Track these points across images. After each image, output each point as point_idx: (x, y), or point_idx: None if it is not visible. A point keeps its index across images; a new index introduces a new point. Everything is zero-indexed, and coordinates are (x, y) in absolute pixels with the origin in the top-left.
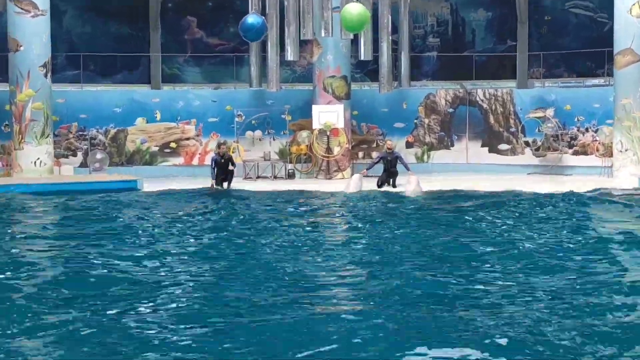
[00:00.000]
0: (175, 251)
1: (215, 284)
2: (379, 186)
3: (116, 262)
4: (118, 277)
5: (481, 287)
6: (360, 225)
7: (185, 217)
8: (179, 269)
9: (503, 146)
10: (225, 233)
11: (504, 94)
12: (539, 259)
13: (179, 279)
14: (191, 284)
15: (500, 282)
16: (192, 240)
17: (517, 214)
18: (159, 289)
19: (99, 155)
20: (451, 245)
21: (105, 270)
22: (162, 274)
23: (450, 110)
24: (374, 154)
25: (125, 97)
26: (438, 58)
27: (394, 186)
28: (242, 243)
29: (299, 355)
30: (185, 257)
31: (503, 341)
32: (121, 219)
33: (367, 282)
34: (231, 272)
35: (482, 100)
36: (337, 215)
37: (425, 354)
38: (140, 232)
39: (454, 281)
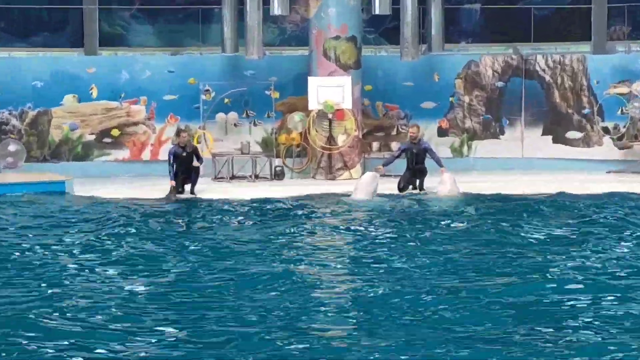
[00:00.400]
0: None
1: None
2: (401, 190)
3: None
4: None
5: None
6: (370, 247)
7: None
8: None
9: (573, 134)
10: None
11: (573, 61)
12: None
13: None
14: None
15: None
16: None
17: (597, 231)
18: None
19: (11, 147)
20: (513, 288)
21: None
22: None
23: (500, 84)
24: (394, 145)
25: (48, 67)
26: (482, 12)
27: (422, 189)
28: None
29: None
30: None
31: None
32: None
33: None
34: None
35: (544, 71)
36: (339, 232)
37: None
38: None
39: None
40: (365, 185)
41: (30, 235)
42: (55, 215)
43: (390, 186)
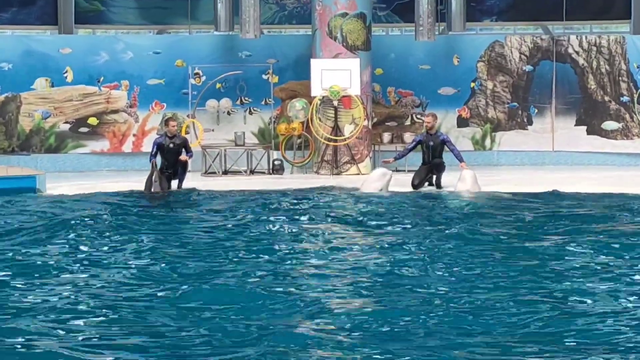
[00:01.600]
0: None
1: None
2: (416, 186)
3: None
4: None
5: None
6: (378, 248)
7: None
8: None
9: (610, 125)
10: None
11: (611, 42)
12: None
13: None
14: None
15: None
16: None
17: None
18: None
19: None
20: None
21: None
22: None
23: (528, 68)
24: (408, 137)
25: (17, 47)
26: None
27: (439, 186)
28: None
29: None
30: None
31: None
32: None
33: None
34: None
35: (577, 53)
36: (347, 229)
37: None
38: None
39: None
40: (375, 179)
41: None
42: (24, 214)
43: (403, 182)
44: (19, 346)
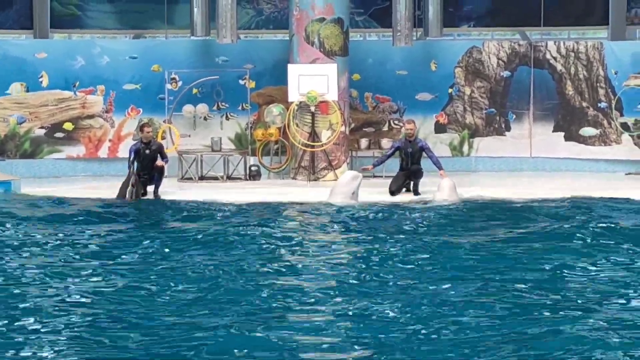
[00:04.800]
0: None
1: None
2: (393, 193)
3: None
4: None
5: None
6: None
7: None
8: None
9: (588, 131)
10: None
11: (589, 48)
12: None
13: None
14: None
15: None
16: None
17: (613, 243)
18: None
19: None
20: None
21: None
22: None
23: (506, 73)
24: (385, 143)
25: None
26: None
27: (416, 193)
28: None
29: None
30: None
31: None
32: None
33: None
34: None
35: (555, 59)
36: (306, 249)
37: None
38: None
39: None
40: (343, 186)
41: None
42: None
43: (380, 189)
44: None
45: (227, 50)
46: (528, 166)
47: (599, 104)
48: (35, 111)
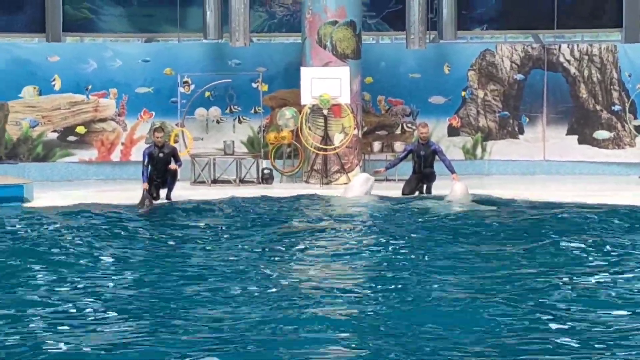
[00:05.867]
0: None
1: None
2: (406, 195)
3: None
4: None
5: None
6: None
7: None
8: None
9: (601, 134)
10: None
11: (602, 51)
12: None
13: None
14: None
15: None
16: None
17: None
18: None
19: None
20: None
21: None
22: None
23: (519, 76)
24: (398, 146)
25: (4, 54)
26: None
27: (429, 194)
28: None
29: None
30: None
31: None
32: None
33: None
34: None
35: (569, 62)
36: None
37: None
38: None
39: None
40: (358, 185)
41: None
42: (12, 224)
43: (393, 192)
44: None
45: (239, 54)
46: (541, 169)
47: (613, 107)
48: (48, 115)
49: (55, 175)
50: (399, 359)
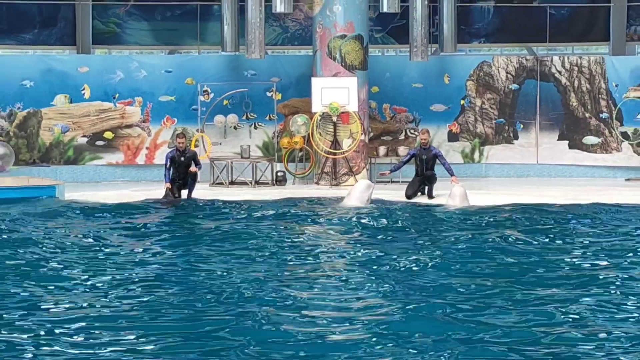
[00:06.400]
0: None
1: None
2: (409, 196)
3: None
4: None
5: None
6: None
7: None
8: None
9: (590, 139)
10: None
11: (591, 63)
12: None
13: None
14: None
15: None
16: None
17: (616, 246)
18: None
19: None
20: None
21: None
22: None
23: (514, 86)
24: (402, 150)
25: (38, 65)
26: (496, 10)
27: (430, 196)
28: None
29: None
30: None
31: None
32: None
33: None
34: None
35: (560, 73)
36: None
37: None
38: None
39: None
40: (360, 192)
41: (19, 243)
42: (45, 221)
43: (397, 193)
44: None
45: (255, 65)
46: (535, 172)
47: (601, 115)
48: (78, 121)
49: (84, 177)
50: None
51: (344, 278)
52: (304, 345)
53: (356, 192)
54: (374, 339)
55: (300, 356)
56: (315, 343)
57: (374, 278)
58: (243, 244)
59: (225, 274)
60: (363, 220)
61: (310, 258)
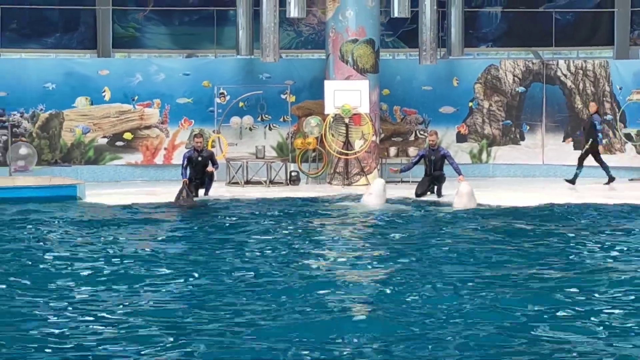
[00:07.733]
0: None
1: None
2: (419, 195)
3: None
4: None
5: None
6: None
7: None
8: None
9: None
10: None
11: (596, 66)
12: None
13: None
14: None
15: None
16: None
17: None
18: None
19: (23, 150)
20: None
21: None
22: None
23: (520, 89)
24: (412, 151)
25: (60, 68)
26: (504, 16)
27: (439, 195)
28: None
29: None
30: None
31: None
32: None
33: None
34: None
35: (565, 76)
36: (346, 236)
37: None
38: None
39: None
40: (380, 191)
41: (40, 242)
42: (67, 220)
43: (408, 191)
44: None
45: (269, 68)
46: (540, 172)
47: (605, 117)
48: (99, 122)
49: (104, 176)
50: None
51: (368, 275)
52: (315, 342)
53: (376, 191)
54: (390, 338)
55: (311, 352)
56: (327, 340)
57: (404, 274)
58: (266, 242)
59: (248, 269)
60: (389, 219)
61: (337, 255)
